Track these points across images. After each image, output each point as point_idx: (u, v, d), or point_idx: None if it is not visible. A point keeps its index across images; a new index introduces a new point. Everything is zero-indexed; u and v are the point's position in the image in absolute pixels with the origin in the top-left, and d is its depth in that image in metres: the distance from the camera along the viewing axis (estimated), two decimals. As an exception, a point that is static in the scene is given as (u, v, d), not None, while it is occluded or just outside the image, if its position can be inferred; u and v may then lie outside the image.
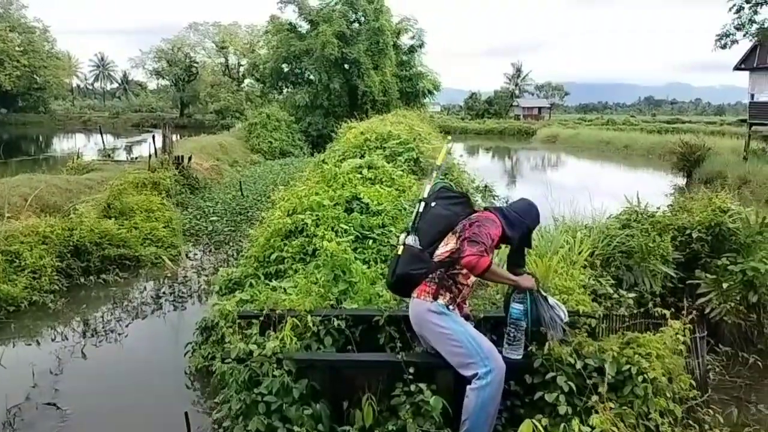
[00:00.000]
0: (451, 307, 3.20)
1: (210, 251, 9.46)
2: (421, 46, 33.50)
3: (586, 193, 20.94)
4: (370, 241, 5.35)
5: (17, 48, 54.55)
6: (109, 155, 20.08)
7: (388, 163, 7.93)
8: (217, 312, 4.38)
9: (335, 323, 3.44)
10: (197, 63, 62.15)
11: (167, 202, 10.81)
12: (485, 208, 3.42)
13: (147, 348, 5.82)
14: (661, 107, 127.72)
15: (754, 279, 5.66)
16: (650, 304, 4.01)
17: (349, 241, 4.82)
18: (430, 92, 34.17)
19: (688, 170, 22.50)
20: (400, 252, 3.28)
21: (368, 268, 4.76)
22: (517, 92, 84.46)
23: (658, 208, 6.73)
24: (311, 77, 31.11)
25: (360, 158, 7.96)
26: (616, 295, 5.56)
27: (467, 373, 3.06)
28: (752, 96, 24.55)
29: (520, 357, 3.24)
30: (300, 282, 4.36)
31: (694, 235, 6.11)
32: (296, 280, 4.49)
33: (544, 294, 3.33)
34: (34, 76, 57.15)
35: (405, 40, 33.86)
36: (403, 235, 3.36)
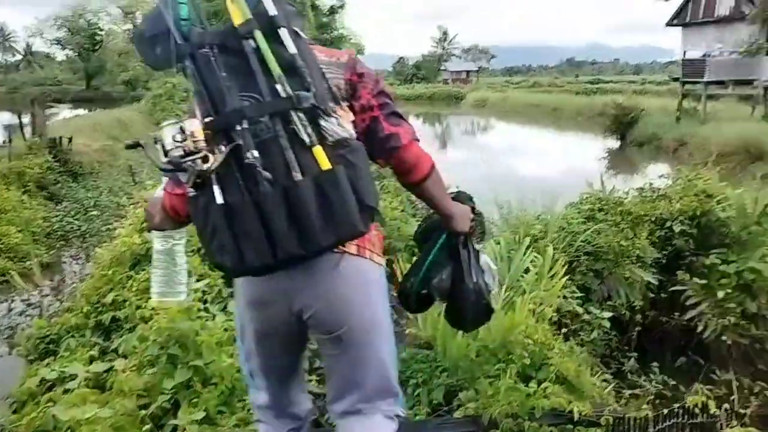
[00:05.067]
0: None
1: (79, 260, 7.62)
2: (342, 6, 31.52)
3: (525, 163, 19.88)
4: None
5: None
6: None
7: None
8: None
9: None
10: (102, 30, 57.44)
11: (29, 198, 8.82)
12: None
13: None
14: (582, 68, 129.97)
15: (753, 283, 4.49)
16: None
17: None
18: (354, 57, 32.36)
19: (621, 133, 21.81)
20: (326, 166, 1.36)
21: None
22: (444, 56, 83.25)
23: (627, 192, 5.45)
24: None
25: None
26: (586, 315, 4.31)
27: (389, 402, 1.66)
28: (684, 53, 24.06)
29: None
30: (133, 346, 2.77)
31: (676, 229, 4.84)
32: (134, 344, 2.88)
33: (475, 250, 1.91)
34: None
35: (325, 0, 31.76)
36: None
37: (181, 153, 1.32)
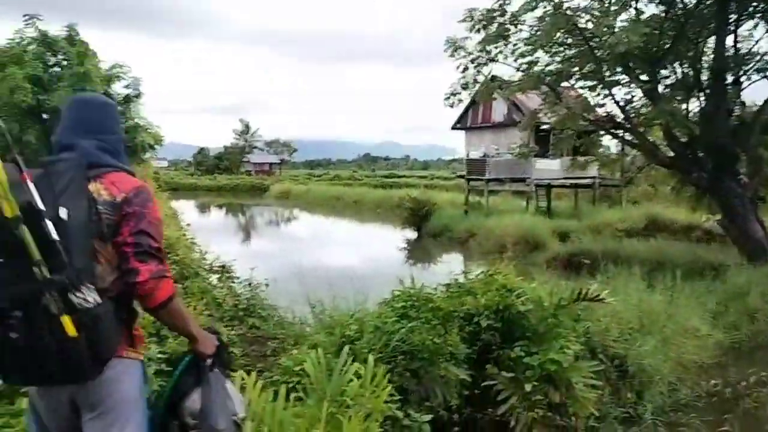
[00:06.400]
0: None
1: None
2: (138, 96, 30.09)
3: (331, 253, 20.04)
4: None
5: None
6: None
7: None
8: None
9: None
10: None
11: None
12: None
13: None
14: (377, 162, 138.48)
15: (554, 374, 4.76)
16: None
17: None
18: (151, 146, 30.85)
19: (418, 225, 23.21)
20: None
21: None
22: (247, 148, 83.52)
23: (435, 288, 5.59)
24: (-1, 128, 25.64)
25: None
26: (406, 420, 4.19)
27: None
28: (468, 153, 26.78)
29: None
30: None
31: (483, 323, 5.03)
32: None
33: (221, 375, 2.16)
34: None
35: (119, 89, 30.13)
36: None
37: None
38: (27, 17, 26.74)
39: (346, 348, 3.76)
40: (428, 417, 4.13)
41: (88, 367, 1.72)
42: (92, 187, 1.83)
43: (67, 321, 1.64)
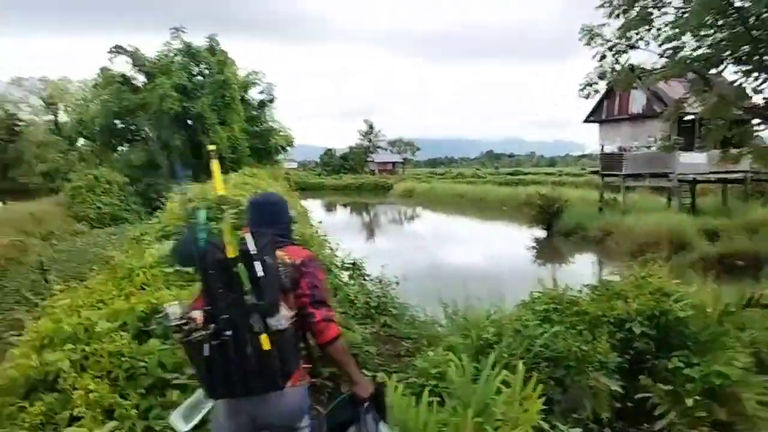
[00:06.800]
0: None
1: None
2: (271, 101, 31.69)
3: (456, 252, 19.70)
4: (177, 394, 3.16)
5: None
6: None
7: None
8: None
9: None
10: (22, 121, 55.27)
11: None
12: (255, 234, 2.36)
13: None
14: (501, 160, 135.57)
15: (719, 388, 4.25)
16: None
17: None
18: (283, 148, 32.40)
19: (547, 223, 22.34)
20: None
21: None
22: (371, 148, 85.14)
23: (580, 291, 5.21)
24: (150, 134, 28.03)
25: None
26: None
27: None
28: (602, 147, 25.35)
29: None
30: None
31: (636, 330, 4.59)
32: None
33: (377, 417, 2.48)
34: None
35: (254, 95, 31.92)
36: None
37: (186, 328, 2.19)
38: (173, 30, 29.13)
39: (492, 355, 3.54)
40: (578, 430, 3.83)
41: (279, 378, 2.24)
42: (278, 253, 2.40)
43: (264, 338, 2.18)
